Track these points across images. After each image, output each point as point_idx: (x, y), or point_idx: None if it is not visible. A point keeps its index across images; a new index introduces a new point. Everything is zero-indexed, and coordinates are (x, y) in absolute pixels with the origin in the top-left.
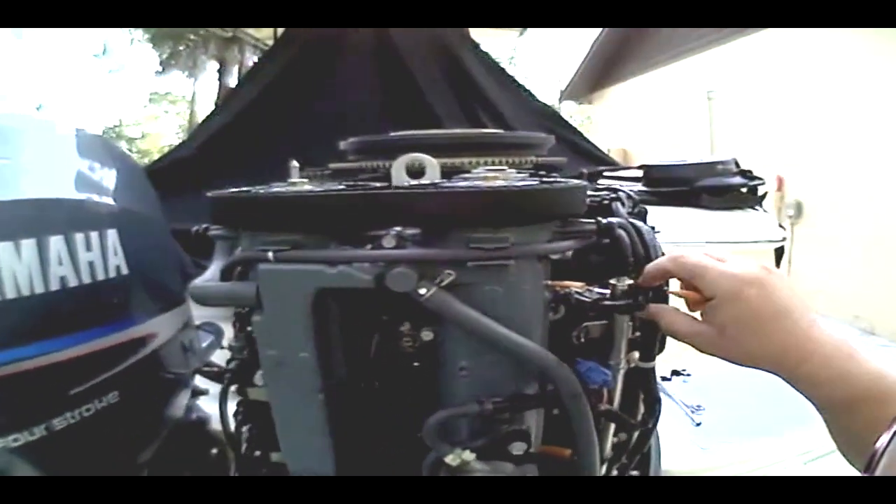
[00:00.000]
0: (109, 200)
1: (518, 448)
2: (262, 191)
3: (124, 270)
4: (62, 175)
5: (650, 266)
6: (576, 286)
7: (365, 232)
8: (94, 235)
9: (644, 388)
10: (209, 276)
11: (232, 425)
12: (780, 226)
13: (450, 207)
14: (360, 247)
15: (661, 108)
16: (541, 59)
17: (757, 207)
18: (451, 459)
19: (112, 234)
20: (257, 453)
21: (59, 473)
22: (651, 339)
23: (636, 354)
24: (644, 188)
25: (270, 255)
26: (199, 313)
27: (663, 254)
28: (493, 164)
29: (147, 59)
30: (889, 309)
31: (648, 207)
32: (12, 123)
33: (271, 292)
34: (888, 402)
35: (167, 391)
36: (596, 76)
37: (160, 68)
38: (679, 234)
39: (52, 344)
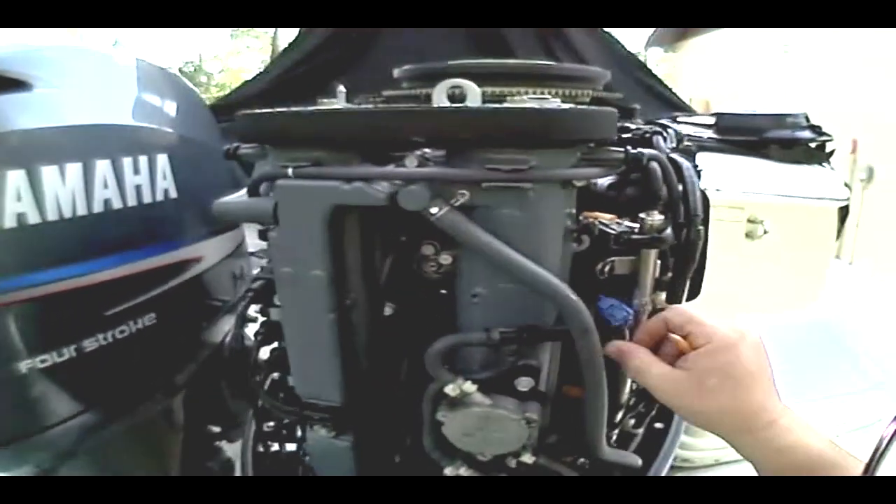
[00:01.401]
0: (163, 128)
1: (524, 384)
2: (288, 110)
3: (173, 194)
4: (114, 103)
5: (650, 321)
6: (604, 218)
7: (389, 152)
8: (142, 159)
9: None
10: (239, 194)
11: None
12: (847, 185)
13: (468, 127)
14: (383, 166)
15: (744, 60)
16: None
17: (824, 164)
18: (450, 389)
19: (162, 159)
20: (275, 376)
21: (83, 398)
22: (681, 281)
23: (662, 296)
24: (714, 136)
25: (290, 171)
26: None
27: (703, 193)
28: (541, 94)
29: None
30: None
31: (718, 155)
32: (64, 54)
33: (287, 208)
34: (837, 468)
35: (208, 315)
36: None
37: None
38: (745, 183)
39: (89, 266)
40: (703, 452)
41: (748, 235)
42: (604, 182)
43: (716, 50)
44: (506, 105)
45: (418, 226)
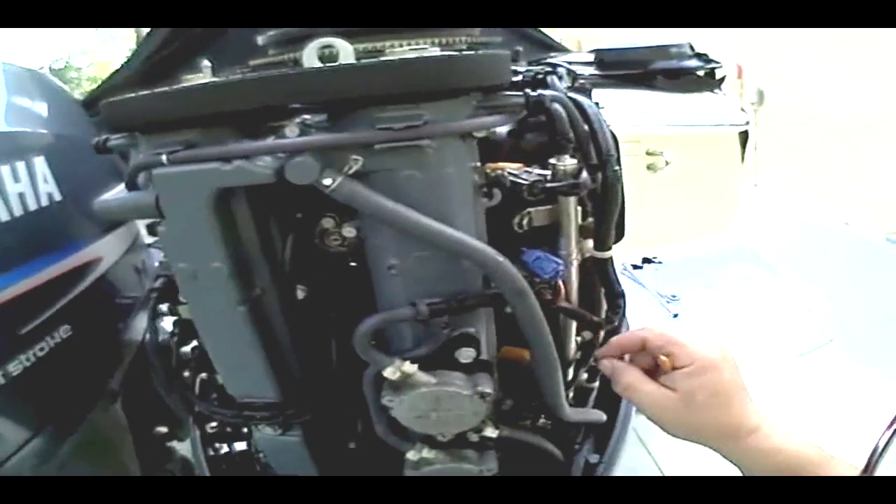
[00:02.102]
0: (36, 130)
1: (465, 355)
2: (154, 91)
3: (57, 197)
4: None
5: (626, 335)
6: (511, 167)
7: (267, 123)
8: (20, 166)
9: (603, 281)
10: (119, 189)
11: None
12: (743, 110)
13: (353, 86)
14: (263, 139)
15: None
16: None
17: (716, 91)
18: (389, 373)
19: (40, 162)
20: (203, 376)
21: (31, 417)
22: (605, 226)
23: (590, 243)
24: (596, 72)
25: (163, 157)
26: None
27: (611, 132)
28: (417, 45)
29: None
30: (856, 194)
31: (606, 91)
32: None
33: (169, 199)
34: (820, 468)
35: (122, 315)
36: None
37: None
38: (637, 116)
39: None
40: None
41: (650, 168)
42: (503, 130)
43: None
44: (388, 58)
45: (314, 198)
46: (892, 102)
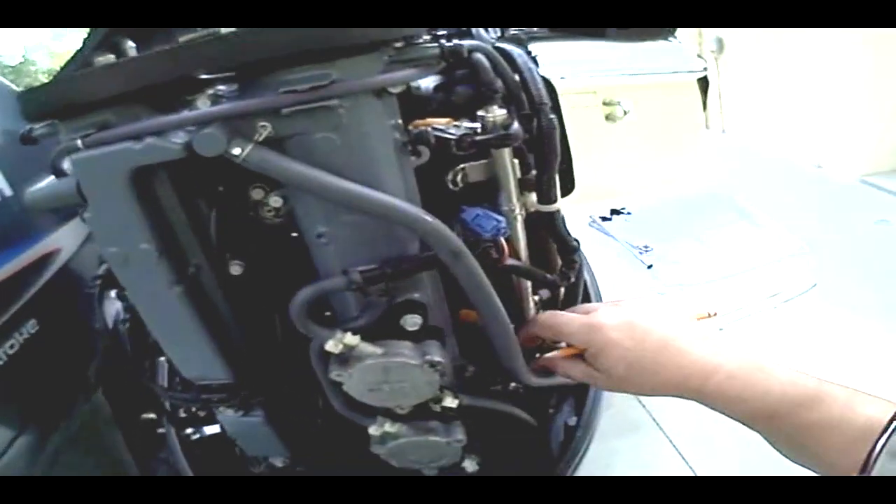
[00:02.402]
0: None
1: (412, 322)
2: (67, 75)
3: (7, 192)
4: None
5: (522, 330)
6: (438, 122)
7: (182, 98)
8: None
9: (553, 236)
10: (49, 178)
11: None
12: (700, 56)
13: (248, 48)
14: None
15: None
16: None
17: (670, 39)
18: (332, 346)
19: None
20: (162, 360)
21: (12, 417)
22: (547, 177)
23: (533, 197)
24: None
25: (79, 142)
26: None
27: (545, 80)
28: None
29: None
30: (828, 136)
31: (557, 44)
32: None
33: (88, 183)
34: (811, 407)
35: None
36: None
37: None
38: (590, 67)
39: None
40: None
41: (608, 118)
42: (428, 85)
43: None
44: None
45: (237, 170)
46: (861, 40)
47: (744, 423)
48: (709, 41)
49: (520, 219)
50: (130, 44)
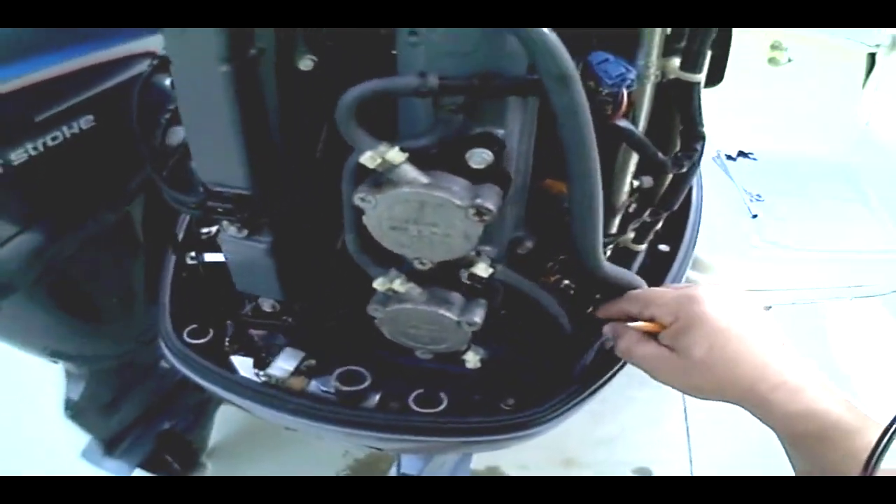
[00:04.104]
0: None
1: (479, 159)
2: None
3: None
4: None
5: (606, 307)
6: None
7: None
8: None
9: (684, 112)
10: None
11: None
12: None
13: None
14: None
15: None
16: None
17: None
18: (368, 159)
19: None
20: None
21: (20, 220)
22: (701, 42)
23: (676, 61)
24: None
25: None
26: None
27: None
28: None
29: None
30: None
31: None
32: None
33: None
34: (858, 434)
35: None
36: None
37: None
38: (774, 6)
39: (15, 69)
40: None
41: (770, 61)
42: None
43: None
44: None
45: None
46: None
47: (788, 440)
48: (886, 35)
49: (652, 80)
50: None
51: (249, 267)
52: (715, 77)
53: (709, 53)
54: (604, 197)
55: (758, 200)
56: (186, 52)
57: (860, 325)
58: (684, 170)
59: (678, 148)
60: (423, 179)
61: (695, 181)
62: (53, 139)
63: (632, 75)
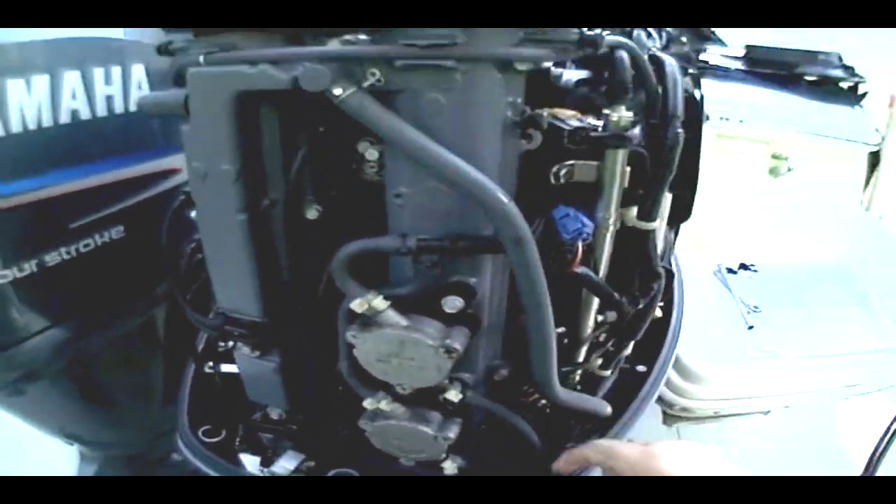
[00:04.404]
0: (143, 38)
1: (452, 305)
2: None
3: None
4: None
5: (570, 455)
6: (564, 113)
7: (318, 36)
8: (115, 70)
9: (639, 257)
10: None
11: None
12: (878, 131)
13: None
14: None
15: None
16: None
17: (856, 106)
18: (357, 305)
19: (138, 70)
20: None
21: (52, 314)
22: (654, 192)
23: (634, 211)
24: (742, 67)
25: (201, 58)
26: None
27: (693, 97)
28: None
29: None
30: None
31: (746, 87)
32: None
33: (197, 97)
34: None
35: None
36: None
37: None
38: (772, 117)
39: (52, 177)
40: (703, 402)
41: (772, 171)
42: (571, 78)
43: None
44: None
45: (344, 116)
46: None
47: None
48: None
49: (612, 230)
50: None
51: (260, 381)
52: (682, 215)
53: (668, 197)
54: (570, 330)
55: (755, 312)
56: (209, 201)
57: (865, 417)
58: (640, 306)
59: (636, 286)
60: (403, 322)
61: (675, 305)
62: (86, 246)
63: (588, 229)
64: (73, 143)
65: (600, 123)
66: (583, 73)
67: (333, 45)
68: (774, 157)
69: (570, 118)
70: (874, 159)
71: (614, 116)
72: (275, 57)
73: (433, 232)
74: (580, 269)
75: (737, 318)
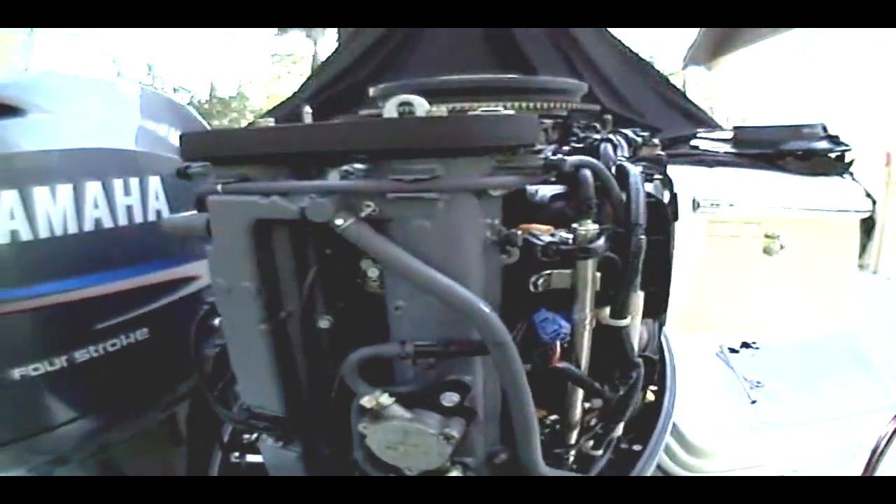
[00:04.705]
0: (156, 151)
1: (449, 399)
2: (225, 128)
3: (167, 214)
4: (108, 128)
5: None
6: (540, 229)
7: (315, 168)
8: (133, 181)
9: (615, 350)
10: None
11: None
12: (869, 196)
13: (371, 138)
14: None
15: (777, 75)
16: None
17: (845, 175)
18: (367, 401)
19: (155, 181)
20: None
21: (80, 407)
22: (622, 294)
23: (607, 310)
24: (731, 150)
25: (219, 187)
26: None
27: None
28: (505, 107)
29: None
30: None
31: (734, 170)
32: (62, 82)
33: (218, 222)
34: None
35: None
36: (714, 43)
37: (277, 29)
38: (761, 198)
39: (80, 281)
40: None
41: (766, 251)
42: (546, 193)
43: (748, 66)
44: (410, 116)
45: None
46: None
47: None
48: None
49: (588, 328)
50: (307, 109)
51: (283, 469)
52: (658, 309)
53: (641, 295)
54: (561, 417)
55: (758, 387)
56: (233, 313)
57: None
58: (621, 393)
59: (617, 376)
60: (407, 415)
61: (668, 389)
62: (112, 345)
63: (564, 330)
64: (96, 250)
65: (571, 236)
66: (558, 189)
67: (334, 177)
68: (767, 236)
69: (544, 233)
70: (869, 225)
71: (581, 230)
72: (284, 189)
73: (429, 338)
74: (561, 365)
75: (740, 394)
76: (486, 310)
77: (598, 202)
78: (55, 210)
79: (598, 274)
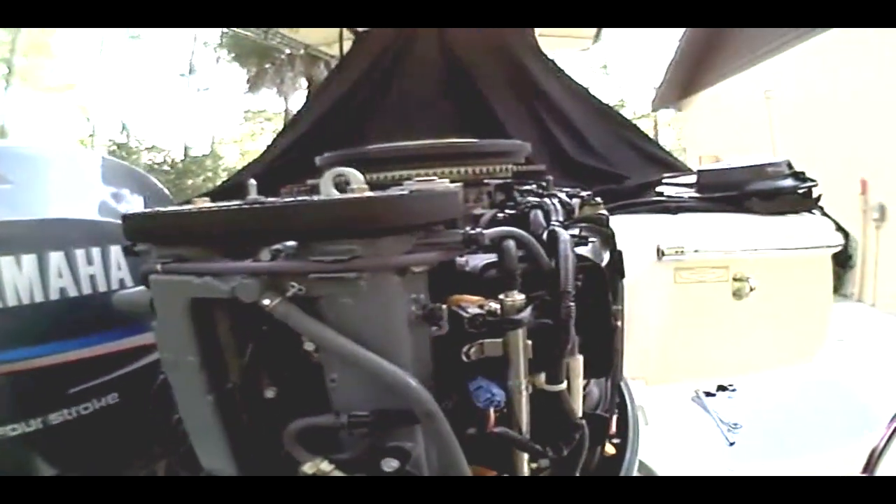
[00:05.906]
0: (117, 220)
1: (389, 465)
2: (163, 209)
3: (129, 283)
4: (70, 199)
5: None
6: (470, 300)
7: (248, 246)
8: (95, 251)
9: (555, 412)
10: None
11: None
12: (840, 229)
13: (288, 221)
14: (243, 260)
15: (745, 112)
16: (635, 67)
17: (814, 211)
18: (307, 468)
19: (115, 251)
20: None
21: (60, 465)
22: (554, 360)
23: (543, 376)
24: (695, 195)
25: (158, 266)
26: None
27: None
28: (450, 173)
29: (234, 78)
30: None
31: (699, 215)
32: (24, 154)
33: (159, 300)
34: None
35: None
36: (682, 83)
37: (248, 86)
38: (726, 241)
39: (49, 347)
40: None
41: (735, 294)
42: (478, 263)
43: (716, 106)
44: (327, 198)
45: None
46: None
47: None
48: (872, 208)
49: (525, 393)
50: (252, 182)
51: None
52: (602, 371)
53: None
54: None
55: (735, 429)
56: (181, 384)
57: None
58: (563, 454)
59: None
60: None
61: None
62: (85, 409)
63: (498, 397)
64: (63, 318)
65: (499, 306)
66: (490, 257)
67: (266, 256)
68: (735, 279)
69: (473, 305)
70: (842, 256)
71: (508, 301)
72: (215, 270)
73: (364, 408)
74: (498, 430)
75: (717, 437)
76: (412, 382)
77: (530, 269)
78: (21, 279)
79: (530, 342)
